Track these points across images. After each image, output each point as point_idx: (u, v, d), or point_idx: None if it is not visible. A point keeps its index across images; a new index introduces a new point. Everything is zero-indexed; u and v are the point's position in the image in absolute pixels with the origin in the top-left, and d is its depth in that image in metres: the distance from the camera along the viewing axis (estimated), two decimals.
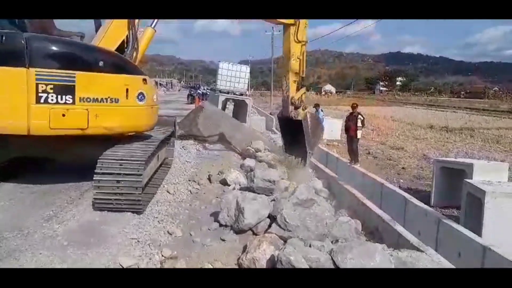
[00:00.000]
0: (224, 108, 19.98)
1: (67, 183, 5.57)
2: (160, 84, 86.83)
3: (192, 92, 38.99)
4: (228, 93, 19.08)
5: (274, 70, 48.85)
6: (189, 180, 6.87)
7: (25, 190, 5.21)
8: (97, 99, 4.79)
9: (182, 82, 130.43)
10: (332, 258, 3.89)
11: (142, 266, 3.61)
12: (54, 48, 4.67)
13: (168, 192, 5.93)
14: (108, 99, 4.88)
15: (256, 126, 19.15)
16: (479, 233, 7.07)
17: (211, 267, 3.83)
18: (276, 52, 41.90)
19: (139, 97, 5.20)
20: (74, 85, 4.61)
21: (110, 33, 5.52)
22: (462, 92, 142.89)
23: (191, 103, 32.77)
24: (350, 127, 11.61)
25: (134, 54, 5.64)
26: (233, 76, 19.19)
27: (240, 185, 6.55)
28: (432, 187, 10.68)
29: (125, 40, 5.59)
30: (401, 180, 13.66)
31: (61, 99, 4.56)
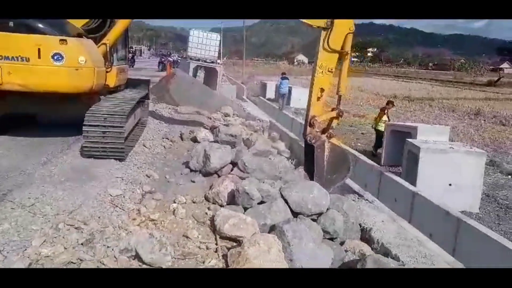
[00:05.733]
0: (195, 75, 20.52)
1: (54, 137, 6.28)
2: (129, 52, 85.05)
3: (163, 59, 39.01)
4: (199, 60, 19.61)
5: (247, 38, 48.65)
6: (163, 138, 7.69)
7: (19, 142, 5.92)
8: (8, 57, 5.28)
9: (152, 49, 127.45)
10: (280, 193, 4.88)
11: (127, 197, 4.48)
12: None
13: (144, 146, 6.74)
14: (19, 57, 5.29)
15: (227, 94, 19.85)
16: (415, 184, 8.29)
17: (184, 199, 4.74)
18: (249, 19, 41.82)
19: (55, 57, 5.35)
20: None
21: None
22: (430, 64, 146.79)
23: (161, 71, 32.94)
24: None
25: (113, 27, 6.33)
26: (204, 44, 19.69)
27: (208, 141, 7.43)
28: (383, 148, 11.91)
29: None
30: (359, 144, 14.90)
31: None
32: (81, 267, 3.05)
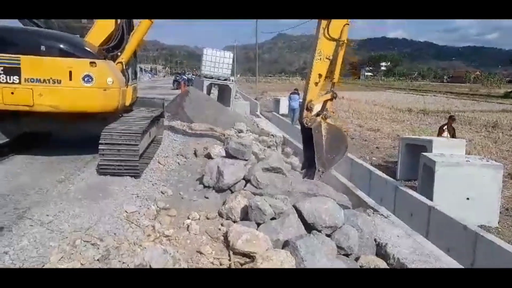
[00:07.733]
0: (208, 92, 20.79)
1: (71, 155, 6.43)
2: (145, 70, 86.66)
3: (177, 78, 39.89)
4: (212, 78, 19.90)
5: (260, 55, 49.19)
6: (177, 155, 7.77)
7: (36, 161, 6.08)
8: (40, 79, 5.48)
9: (167, 68, 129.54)
10: (294, 205, 4.88)
11: (142, 213, 4.55)
12: (2, 35, 5.56)
13: (159, 163, 6.84)
14: (50, 80, 5.49)
15: (240, 110, 20.01)
16: (431, 198, 8.18)
17: (197, 215, 4.78)
18: (262, 37, 42.43)
19: (85, 79, 5.58)
20: (19, 67, 5.44)
21: (94, 31, 6.29)
22: (445, 77, 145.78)
23: (176, 89, 33.51)
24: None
25: (127, 46, 6.50)
26: (217, 62, 20.00)
27: (221, 157, 7.48)
28: (398, 162, 11.81)
29: (121, 33, 6.41)
30: (374, 158, 14.79)
31: (10, 79, 5.43)
32: None
